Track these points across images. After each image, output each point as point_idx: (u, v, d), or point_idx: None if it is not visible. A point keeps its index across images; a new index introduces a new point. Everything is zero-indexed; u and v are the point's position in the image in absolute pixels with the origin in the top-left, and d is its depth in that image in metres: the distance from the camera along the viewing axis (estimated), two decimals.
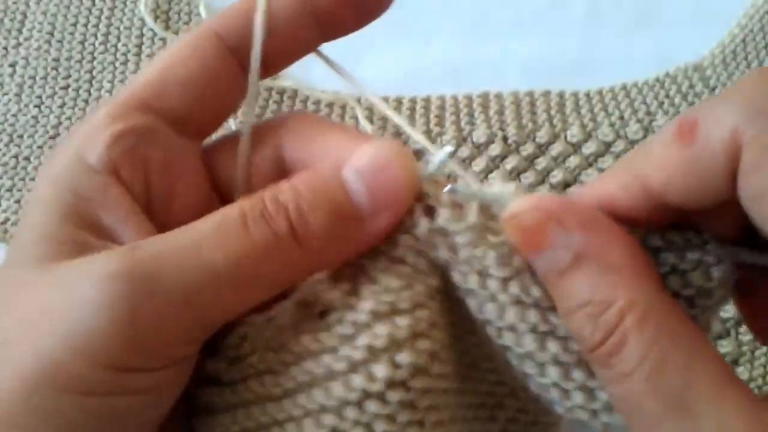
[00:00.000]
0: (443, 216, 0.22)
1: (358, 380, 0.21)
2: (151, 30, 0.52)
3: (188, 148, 0.25)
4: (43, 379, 0.20)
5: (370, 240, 0.23)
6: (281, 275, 0.22)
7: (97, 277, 0.20)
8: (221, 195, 0.26)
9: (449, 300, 0.24)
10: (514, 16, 0.54)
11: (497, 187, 0.23)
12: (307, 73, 0.48)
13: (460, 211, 0.22)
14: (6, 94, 0.51)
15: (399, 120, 0.25)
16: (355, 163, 0.22)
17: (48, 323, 0.20)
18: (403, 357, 0.21)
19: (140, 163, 0.24)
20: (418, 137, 0.25)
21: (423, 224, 0.22)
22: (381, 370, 0.21)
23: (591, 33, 0.53)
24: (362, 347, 0.21)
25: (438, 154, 0.22)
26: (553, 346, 0.22)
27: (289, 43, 0.25)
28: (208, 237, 0.21)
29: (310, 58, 0.26)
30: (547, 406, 0.24)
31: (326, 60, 0.26)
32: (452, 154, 0.22)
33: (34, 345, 0.20)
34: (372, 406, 0.21)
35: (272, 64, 0.25)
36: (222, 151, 0.26)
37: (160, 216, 0.24)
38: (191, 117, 0.25)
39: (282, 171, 0.25)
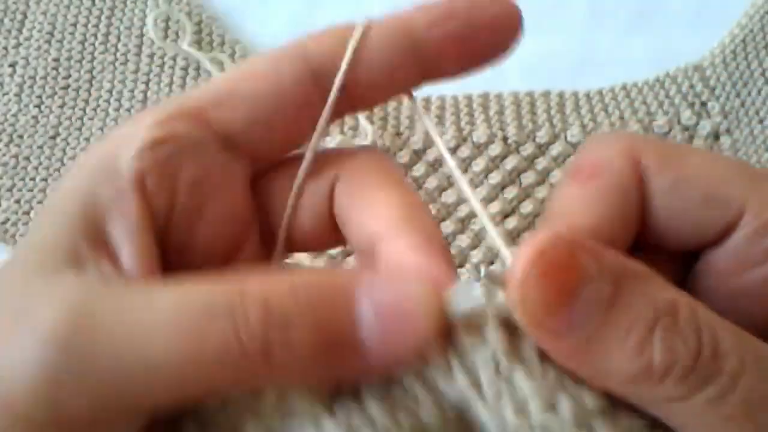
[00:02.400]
0: (466, 341, 0.19)
1: None
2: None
3: (234, 169, 0.23)
4: None
5: (364, 374, 0.19)
6: (236, 383, 0.19)
7: (38, 334, 0.18)
8: (269, 224, 0.24)
9: None
10: None
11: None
12: None
13: (481, 336, 0.19)
14: (6, 94, 0.51)
15: (451, 162, 0.23)
16: (377, 294, 0.18)
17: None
18: None
19: (170, 176, 0.21)
20: (467, 192, 0.22)
21: (437, 353, 0.19)
22: None
23: (591, 33, 0.53)
24: None
25: (470, 295, 0.19)
26: None
27: (383, 79, 0.22)
28: (161, 323, 0.18)
29: None
30: None
31: (416, 109, 0.24)
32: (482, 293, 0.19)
33: None
34: None
35: (360, 99, 0.23)
36: (279, 178, 0.24)
37: (180, 236, 0.22)
38: (248, 137, 0.22)
39: (331, 215, 0.24)
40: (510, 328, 0.19)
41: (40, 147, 0.49)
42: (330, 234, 0.24)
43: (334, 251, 0.43)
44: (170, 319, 0.18)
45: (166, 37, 0.52)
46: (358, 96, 0.22)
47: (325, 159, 0.24)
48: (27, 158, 0.49)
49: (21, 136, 0.50)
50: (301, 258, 0.40)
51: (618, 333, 0.17)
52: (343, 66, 0.22)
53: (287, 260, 0.26)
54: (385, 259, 0.21)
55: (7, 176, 0.49)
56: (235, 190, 0.23)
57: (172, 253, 0.22)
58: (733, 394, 0.17)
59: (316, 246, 0.25)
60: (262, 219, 0.24)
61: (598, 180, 0.21)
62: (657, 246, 0.22)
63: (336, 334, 0.18)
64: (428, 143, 0.48)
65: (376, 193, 0.22)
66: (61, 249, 0.20)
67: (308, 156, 0.23)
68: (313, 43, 0.22)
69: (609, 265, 0.18)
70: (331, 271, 0.21)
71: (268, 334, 0.18)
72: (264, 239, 0.24)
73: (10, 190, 0.48)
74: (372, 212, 0.22)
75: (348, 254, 0.44)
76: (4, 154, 0.49)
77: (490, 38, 0.23)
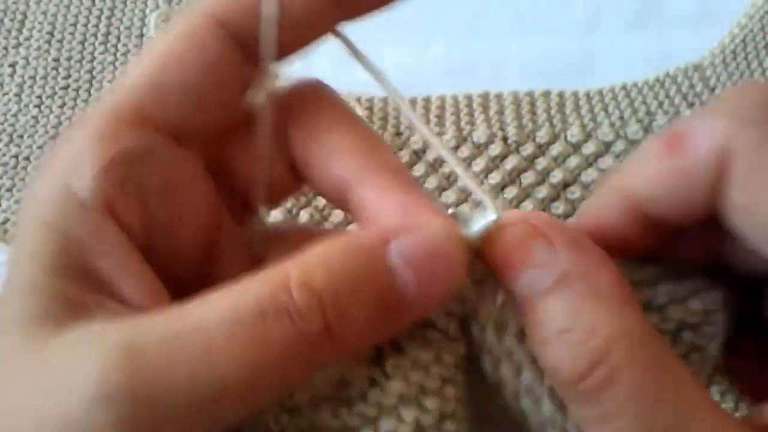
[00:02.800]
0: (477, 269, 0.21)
1: None
2: (152, 30, 0.52)
3: (190, 160, 0.22)
4: None
5: (411, 321, 0.20)
6: (305, 372, 0.19)
7: (93, 393, 0.17)
8: (232, 195, 0.24)
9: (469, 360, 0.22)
10: (514, 16, 0.54)
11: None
12: (307, 71, 0.48)
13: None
14: (6, 94, 0.51)
15: (415, 120, 0.23)
16: (404, 247, 0.19)
17: (35, 427, 0.17)
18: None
19: (137, 194, 0.20)
20: (430, 137, 0.23)
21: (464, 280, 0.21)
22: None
23: (591, 33, 0.53)
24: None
25: (482, 221, 0.21)
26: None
27: (303, 24, 0.22)
28: (219, 339, 0.17)
29: (311, 56, 0.25)
30: None
31: (346, 42, 0.23)
32: (495, 222, 0.21)
33: None
34: None
35: (284, 49, 0.22)
36: (231, 145, 0.23)
37: (163, 248, 0.21)
38: (193, 125, 0.22)
39: (293, 168, 0.24)
40: None
41: (40, 147, 0.49)
42: (291, 182, 0.24)
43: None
44: (225, 334, 0.18)
45: None
46: (282, 45, 0.22)
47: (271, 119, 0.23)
48: (27, 158, 0.49)
49: (21, 136, 0.50)
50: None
51: (536, 319, 0.19)
52: (268, 30, 0.21)
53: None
54: (361, 205, 0.22)
55: (7, 176, 0.49)
56: (198, 179, 0.22)
57: (159, 262, 0.21)
58: (617, 421, 0.18)
59: (280, 197, 0.25)
60: (224, 190, 0.24)
61: (680, 155, 0.20)
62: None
63: (382, 299, 0.19)
64: (428, 143, 0.48)
65: (331, 135, 0.22)
66: (53, 298, 0.19)
67: (262, 138, 0.23)
68: (223, 6, 0.21)
69: (561, 263, 0.19)
70: (350, 237, 0.19)
71: (323, 316, 0.18)
72: (229, 208, 0.24)
73: (10, 190, 0.48)
74: (333, 158, 0.22)
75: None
76: (4, 154, 0.49)
77: None
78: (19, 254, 0.20)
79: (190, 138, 0.22)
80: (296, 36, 0.22)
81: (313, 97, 0.24)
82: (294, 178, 0.24)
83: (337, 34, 0.23)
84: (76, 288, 0.19)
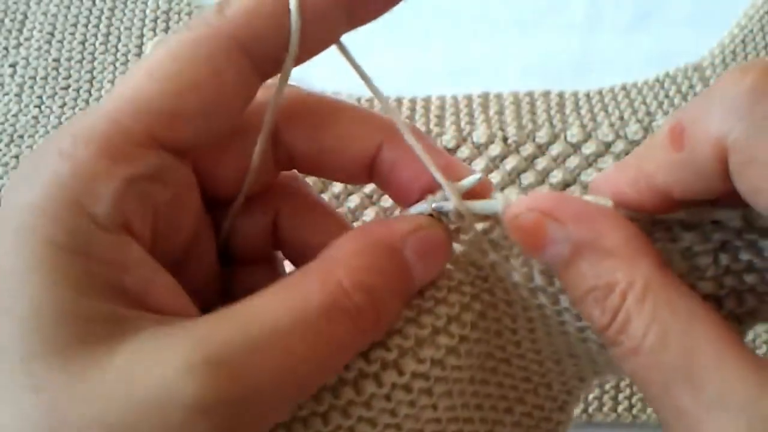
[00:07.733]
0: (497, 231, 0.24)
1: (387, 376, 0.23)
2: (152, 30, 0.52)
3: (189, 172, 0.23)
4: None
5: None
6: (353, 355, 0.23)
7: (192, 406, 0.18)
8: (209, 196, 0.25)
9: (491, 299, 0.26)
10: (514, 16, 0.54)
11: (480, 202, 0.24)
12: (306, 74, 0.48)
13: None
14: (6, 94, 0.51)
15: (404, 128, 0.24)
16: (416, 243, 0.24)
17: None
18: (425, 352, 0.24)
19: (150, 210, 0.21)
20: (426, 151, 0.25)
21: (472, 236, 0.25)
22: (408, 365, 0.23)
23: (591, 33, 0.53)
24: (394, 347, 0.24)
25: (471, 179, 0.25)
26: None
27: (317, 35, 0.22)
28: (296, 343, 0.20)
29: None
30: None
31: (346, 55, 0.25)
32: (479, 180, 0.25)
33: None
34: (398, 395, 0.23)
35: (298, 58, 0.23)
36: (214, 153, 0.24)
37: (165, 253, 0.22)
38: (198, 145, 0.22)
39: (282, 162, 0.25)
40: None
41: None
42: (273, 176, 0.26)
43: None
44: (300, 337, 0.20)
45: (167, 29, 0.52)
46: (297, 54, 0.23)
47: (254, 119, 0.24)
48: None
49: (21, 136, 0.50)
50: None
51: (567, 284, 0.23)
52: (289, 61, 0.22)
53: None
54: (394, 166, 0.25)
55: (7, 176, 0.49)
56: (192, 189, 0.24)
57: (181, 290, 0.22)
58: (635, 357, 0.21)
59: (259, 190, 0.27)
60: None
61: (680, 150, 0.22)
62: None
63: (403, 281, 0.23)
64: None
65: (345, 114, 0.25)
66: (91, 319, 0.19)
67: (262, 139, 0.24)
68: (243, 28, 0.21)
69: (572, 235, 0.22)
70: (373, 236, 0.24)
71: (376, 310, 0.22)
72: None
73: None
74: (358, 129, 0.25)
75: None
76: (4, 155, 0.49)
77: None
78: (18, 278, 0.19)
79: (191, 155, 0.23)
80: (308, 47, 0.23)
81: (303, 98, 0.25)
82: (276, 172, 0.26)
83: (341, 49, 0.25)
84: (112, 306, 0.19)
